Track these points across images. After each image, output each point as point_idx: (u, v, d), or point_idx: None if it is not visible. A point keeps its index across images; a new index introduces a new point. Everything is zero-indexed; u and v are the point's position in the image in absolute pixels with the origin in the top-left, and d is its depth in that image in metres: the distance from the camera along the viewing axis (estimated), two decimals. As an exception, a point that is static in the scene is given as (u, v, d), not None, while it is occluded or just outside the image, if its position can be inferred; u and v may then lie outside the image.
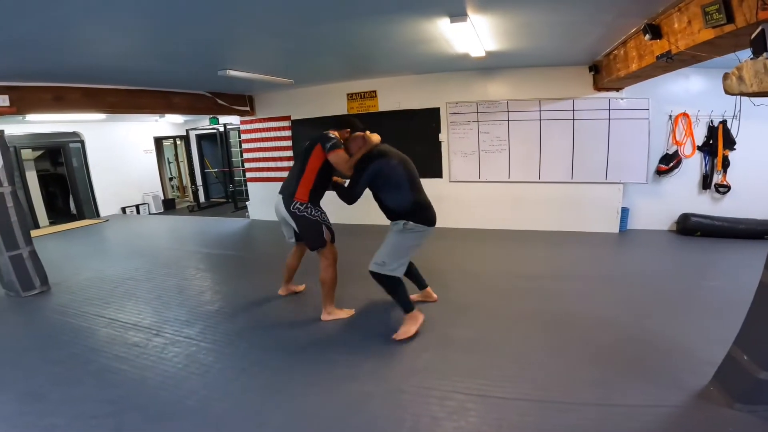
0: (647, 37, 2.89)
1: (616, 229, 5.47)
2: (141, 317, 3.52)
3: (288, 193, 3.13)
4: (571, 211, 5.59)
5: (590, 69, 4.93)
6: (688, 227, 5.17)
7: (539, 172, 5.66)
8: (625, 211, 5.49)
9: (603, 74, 4.73)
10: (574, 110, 5.35)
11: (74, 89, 4.70)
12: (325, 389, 2.39)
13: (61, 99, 4.60)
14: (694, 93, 5.07)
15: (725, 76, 1.92)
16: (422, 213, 2.98)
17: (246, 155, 7.63)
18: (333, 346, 2.91)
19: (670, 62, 2.88)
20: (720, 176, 5.12)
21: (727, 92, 1.93)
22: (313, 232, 3.14)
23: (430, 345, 2.84)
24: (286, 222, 3.25)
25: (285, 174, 3.80)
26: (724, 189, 5.13)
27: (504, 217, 5.88)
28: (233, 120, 8.76)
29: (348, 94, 6.33)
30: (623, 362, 2.50)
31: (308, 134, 6.66)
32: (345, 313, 3.35)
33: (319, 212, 3.19)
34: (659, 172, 5.31)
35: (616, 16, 2.98)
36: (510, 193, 5.81)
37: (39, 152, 8.96)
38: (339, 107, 6.44)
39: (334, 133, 3.05)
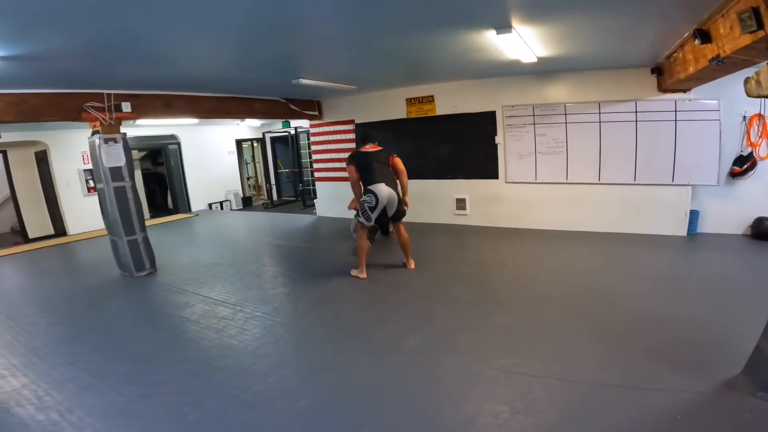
0: (697, 41, 2.92)
1: (683, 232, 5.26)
2: (228, 295, 4.17)
3: (393, 184, 4.26)
4: (634, 212, 5.48)
5: (652, 71, 4.83)
6: (763, 231, 4.85)
7: (599, 173, 5.61)
8: (694, 214, 5.27)
9: (666, 76, 4.62)
10: (636, 112, 5.25)
11: (179, 97, 5.58)
12: (372, 360, 2.79)
13: (169, 105, 5.50)
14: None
15: (746, 80, 2.00)
16: None
17: (315, 156, 8.32)
18: (383, 325, 3.30)
19: (721, 65, 2.88)
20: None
21: (747, 95, 2.01)
22: (402, 208, 4.36)
23: (472, 328, 3.13)
24: (390, 205, 4.22)
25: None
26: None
27: (562, 217, 5.90)
28: (303, 123, 9.52)
29: (407, 99, 6.69)
30: (658, 352, 2.60)
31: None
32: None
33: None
34: (733, 175, 5.03)
35: (663, 22, 3.04)
36: (568, 195, 5.82)
37: (143, 153, 10.40)
38: (399, 111, 6.83)
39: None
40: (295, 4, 2.43)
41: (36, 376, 2.79)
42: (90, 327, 3.67)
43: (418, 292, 3.97)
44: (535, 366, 2.53)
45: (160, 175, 10.59)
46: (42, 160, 8.34)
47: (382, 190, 4.15)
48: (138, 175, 9.90)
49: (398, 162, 4.33)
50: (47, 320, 3.83)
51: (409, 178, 6.66)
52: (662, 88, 4.97)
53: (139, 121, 7.17)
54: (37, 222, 8.55)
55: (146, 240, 5.07)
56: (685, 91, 4.88)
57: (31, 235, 8.39)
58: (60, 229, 8.53)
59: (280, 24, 2.86)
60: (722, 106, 4.78)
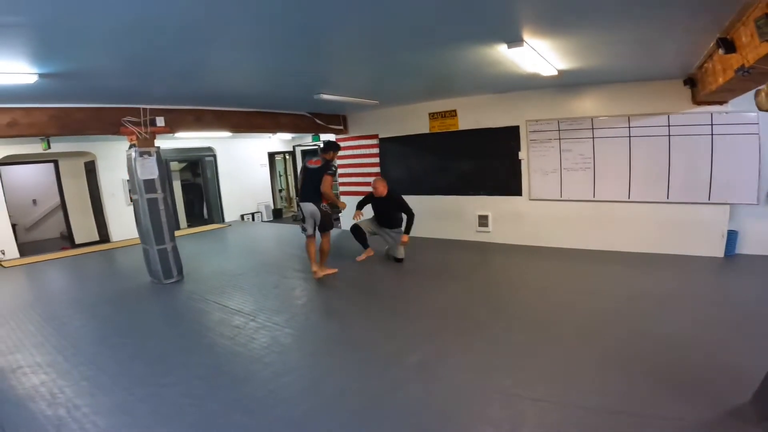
0: (721, 51, 2.78)
1: (720, 254, 4.93)
2: (244, 305, 4.28)
3: (315, 200, 4.75)
4: (667, 232, 5.19)
5: (685, 82, 4.61)
6: (811, 255, 4.47)
7: (629, 191, 5.37)
8: (732, 234, 4.93)
9: (699, 87, 4.40)
10: (669, 126, 5.01)
11: (209, 111, 5.86)
12: (375, 373, 2.79)
13: (199, 119, 5.79)
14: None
15: (757, 93, 1.89)
16: None
17: (340, 170, 8.42)
18: (391, 339, 3.29)
19: (748, 76, 2.72)
20: None
21: (759, 108, 1.89)
22: (329, 220, 4.90)
23: (479, 346, 3.08)
24: (312, 217, 4.78)
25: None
26: None
27: (588, 237, 5.67)
28: (332, 137, 9.68)
29: (429, 114, 6.71)
30: (666, 378, 2.47)
31: (395, 151, 7.28)
32: (332, 270, 5.04)
33: (328, 208, 4.91)
34: (775, 193, 4.69)
35: (685, 32, 2.91)
36: (595, 213, 5.60)
37: (182, 164, 10.92)
38: (421, 126, 6.86)
39: (329, 157, 4.88)
40: (311, 20, 2.52)
41: (56, 374, 2.96)
42: (115, 329, 3.86)
43: (432, 307, 3.93)
44: (535, 388, 2.44)
45: (199, 186, 11.07)
46: (90, 170, 8.95)
47: (306, 207, 4.80)
48: (177, 185, 10.43)
49: (325, 182, 4.72)
50: (78, 321, 4.07)
51: (431, 194, 6.93)
52: (696, 100, 4.73)
53: (177, 134, 7.63)
54: (84, 228, 9.15)
55: (175, 249, 5.30)
56: (721, 103, 4.62)
57: (77, 241, 8.99)
58: (104, 236, 9.09)
59: (299, 41, 2.97)
60: (762, 119, 4.48)
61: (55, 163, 8.74)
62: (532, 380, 2.54)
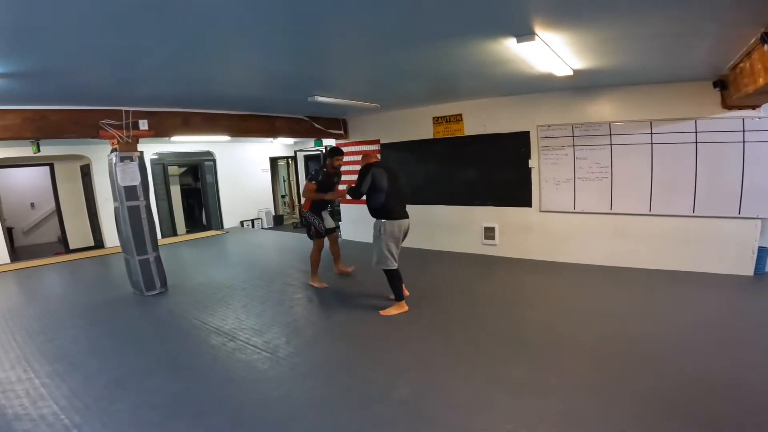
0: (766, 47, 2.36)
1: (750, 272, 4.45)
2: (225, 322, 3.94)
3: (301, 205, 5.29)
4: (691, 248, 4.72)
5: (715, 84, 4.17)
6: None
7: (650, 203, 4.91)
8: (763, 251, 4.46)
9: (731, 90, 3.96)
10: (696, 132, 4.56)
11: (197, 114, 5.51)
12: (355, 410, 2.42)
13: (187, 123, 5.44)
14: None
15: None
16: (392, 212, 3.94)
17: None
18: (377, 368, 2.93)
19: (801, 75, 2.30)
20: None
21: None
22: (307, 228, 4.99)
23: (476, 379, 2.70)
24: None
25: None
26: None
27: (604, 252, 5.21)
28: (332, 143, 9.34)
29: (434, 118, 6.32)
30: (686, 420, 2.11)
31: (397, 158, 6.91)
32: (321, 285, 4.89)
33: (314, 217, 4.88)
34: (815, 207, 4.21)
35: (720, 27, 2.50)
36: (612, 226, 5.14)
37: (182, 169, 10.67)
38: (425, 131, 6.47)
39: (337, 162, 4.85)
40: (303, 13, 2.23)
41: (2, 393, 2.73)
42: (80, 346, 3.57)
43: (427, 330, 3.53)
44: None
45: (199, 191, 10.80)
46: (86, 174, 8.73)
47: None
48: (176, 190, 10.15)
49: (304, 188, 4.92)
50: (45, 336, 3.78)
51: (434, 203, 6.63)
52: (727, 105, 4.28)
53: (174, 138, 7.33)
54: (79, 233, 8.92)
55: (158, 260, 4.99)
56: (754, 107, 4.17)
57: (72, 246, 8.75)
58: (99, 241, 8.85)
59: (290, 36, 2.69)
60: (802, 126, 4.03)
61: (51, 166, 8.54)
62: (536, 424, 2.15)
